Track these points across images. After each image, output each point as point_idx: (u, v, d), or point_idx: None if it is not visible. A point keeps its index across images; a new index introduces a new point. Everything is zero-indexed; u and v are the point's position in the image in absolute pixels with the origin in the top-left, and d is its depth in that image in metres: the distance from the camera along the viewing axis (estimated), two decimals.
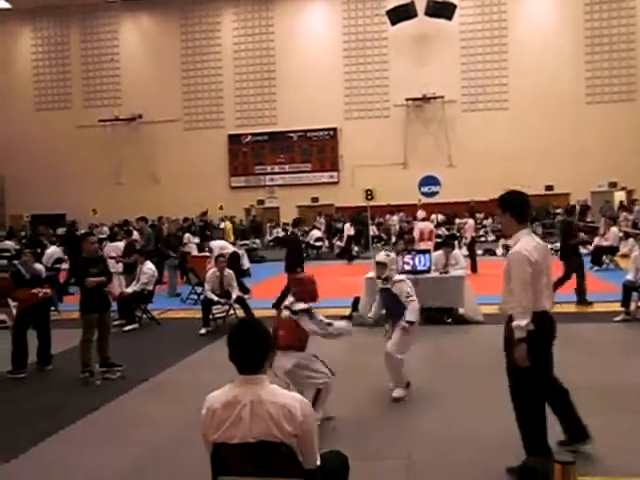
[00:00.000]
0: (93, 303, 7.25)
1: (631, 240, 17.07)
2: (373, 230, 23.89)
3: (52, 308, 9.26)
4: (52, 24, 33.20)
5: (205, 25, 31.94)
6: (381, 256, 6.27)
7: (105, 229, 23.88)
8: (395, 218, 26.04)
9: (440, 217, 22.38)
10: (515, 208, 4.32)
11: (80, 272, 7.37)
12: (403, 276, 6.39)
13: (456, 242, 13.89)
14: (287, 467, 2.67)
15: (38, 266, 8.26)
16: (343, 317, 9.89)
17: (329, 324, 5.29)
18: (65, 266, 14.66)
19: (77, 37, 33.04)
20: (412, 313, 5.91)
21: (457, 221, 25.57)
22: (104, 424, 5.72)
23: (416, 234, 14.43)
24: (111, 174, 31.90)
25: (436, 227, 20.30)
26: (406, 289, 6.01)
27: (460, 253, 11.89)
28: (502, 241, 21.72)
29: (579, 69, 28.43)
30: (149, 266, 10.81)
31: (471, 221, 17.55)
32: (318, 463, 2.77)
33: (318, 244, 22.48)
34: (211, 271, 10.33)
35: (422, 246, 12.90)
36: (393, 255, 6.53)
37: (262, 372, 2.77)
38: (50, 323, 7.94)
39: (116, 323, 9.96)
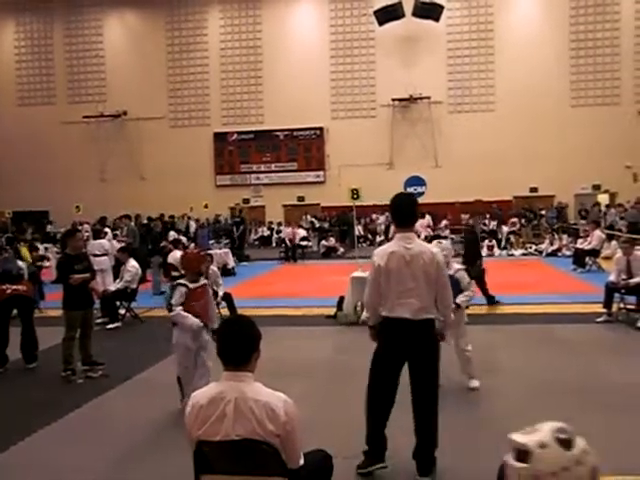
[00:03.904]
0: (76, 300, 7.17)
1: (614, 242, 17.29)
2: (359, 230, 23.91)
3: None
4: (36, 18, 32.78)
5: (191, 22, 31.76)
6: (434, 245, 6.52)
7: (86, 227, 23.66)
8: (382, 218, 26.11)
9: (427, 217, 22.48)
10: (392, 212, 4.35)
11: (64, 269, 7.28)
12: (461, 266, 6.67)
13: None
14: (270, 466, 2.65)
15: (20, 263, 8.16)
16: (328, 316, 10.00)
17: (171, 306, 5.63)
18: (48, 264, 14.51)
19: (61, 32, 32.67)
20: (466, 298, 6.26)
21: (443, 222, 25.85)
22: (86, 422, 5.66)
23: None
24: (95, 171, 31.62)
25: (426, 227, 20.40)
26: (467, 278, 6.39)
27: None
28: (487, 242, 21.90)
29: (564, 72, 28.70)
30: (132, 264, 10.72)
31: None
32: (301, 462, 2.76)
33: (304, 243, 22.46)
34: None
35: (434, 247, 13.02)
36: (446, 243, 6.67)
37: (248, 369, 2.77)
38: (33, 321, 7.86)
39: (99, 321, 9.88)
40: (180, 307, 5.54)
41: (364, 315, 4.36)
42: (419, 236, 11.85)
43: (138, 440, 5.12)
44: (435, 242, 6.69)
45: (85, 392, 6.51)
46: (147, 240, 16.34)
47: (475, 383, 6.15)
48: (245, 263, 20.17)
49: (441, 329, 4.50)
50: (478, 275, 10.74)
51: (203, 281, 5.83)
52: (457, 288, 6.08)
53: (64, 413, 5.80)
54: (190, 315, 5.51)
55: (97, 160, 31.52)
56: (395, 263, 4.09)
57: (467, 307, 6.55)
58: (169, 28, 31.85)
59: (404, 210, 4.27)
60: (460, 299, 6.07)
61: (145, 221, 20.98)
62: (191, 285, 5.62)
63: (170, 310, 5.66)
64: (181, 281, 5.71)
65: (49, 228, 27.70)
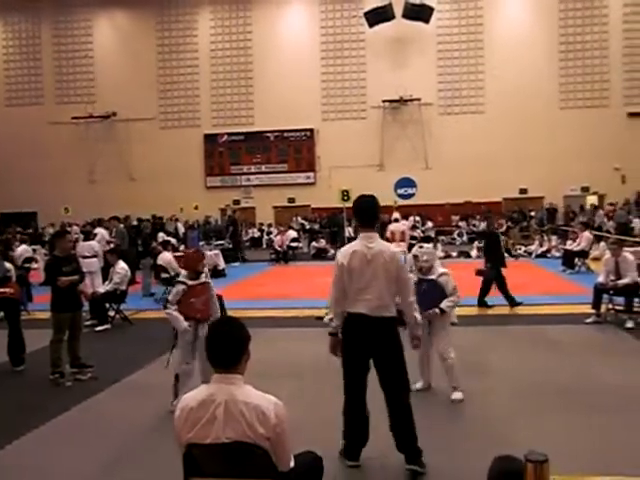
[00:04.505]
0: (65, 302, 7.11)
1: (602, 244, 17.40)
2: (349, 231, 23.90)
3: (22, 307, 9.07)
4: (24, 18, 32.57)
5: (182, 23, 31.67)
6: (415, 249, 6.43)
7: (75, 228, 23.50)
8: None
9: (417, 219, 22.54)
10: (355, 213, 4.49)
11: (53, 271, 7.22)
12: (448, 270, 6.34)
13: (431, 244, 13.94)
14: (260, 469, 2.64)
15: (7, 265, 8.08)
16: (318, 318, 9.99)
17: (168, 303, 5.91)
18: (35, 265, 14.38)
19: (49, 32, 32.47)
20: (450, 303, 5.93)
21: (430, 223, 25.92)
22: (75, 426, 5.62)
23: (388, 235, 14.53)
24: (84, 172, 31.43)
25: (412, 228, 20.44)
26: (453, 282, 6.04)
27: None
28: (476, 243, 21.99)
29: (554, 74, 28.90)
30: (122, 266, 10.66)
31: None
32: (292, 465, 2.75)
33: (294, 245, 22.46)
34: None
35: (394, 247, 12.97)
36: (428, 246, 6.52)
37: (238, 372, 2.75)
38: (20, 323, 7.79)
39: (88, 323, 9.81)
40: (175, 306, 5.76)
41: (326, 318, 4.50)
42: (389, 239, 11.82)
43: (127, 443, 5.08)
44: (416, 246, 6.64)
45: (74, 395, 6.46)
46: (136, 242, 16.26)
47: (458, 395, 5.83)
48: (236, 264, 20.13)
49: (412, 331, 4.52)
50: (490, 278, 10.70)
51: (204, 278, 6.01)
52: (442, 293, 5.95)
53: (52, 416, 5.75)
54: (181, 317, 5.73)
55: (86, 161, 31.33)
56: (357, 262, 4.26)
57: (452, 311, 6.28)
58: (159, 29, 31.74)
59: (366, 211, 4.45)
60: (445, 304, 5.89)
61: (135, 222, 20.90)
62: (190, 282, 5.84)
63: (165, 307, 5.94)
64: (180, 279, 5.95)
65: (42, 231, 27.47)
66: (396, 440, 4.32)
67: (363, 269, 4.24)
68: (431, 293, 5.93)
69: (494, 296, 11.01)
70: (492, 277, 10.76)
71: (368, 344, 4.28)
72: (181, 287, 5.81)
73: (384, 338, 4.29)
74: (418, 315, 4.52)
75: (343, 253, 4.37)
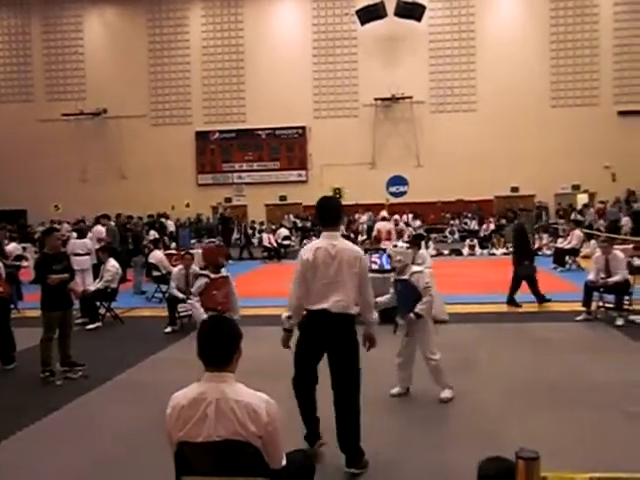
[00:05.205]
0: (55, 300, 7.07)
1: (593, 242, 17.51)
2: (341, 230, 23.93)
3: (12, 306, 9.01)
4: (13, 14, 32.30)
5: (173, 20, 31.52)
6: (388, 249, 6.48)
7: (66, 226, 23.36)
8: (364, 217, 26.16)
9: (410, 216, 22.59)
10: (317, 213, 4.62)
11: (42, 269, 7.17)
12: (420, 267, 6.25)
13: (423, 242, 13.98)
14: (252, 467, 2.63)
15: None
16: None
17: (191, 295, 6.47)
18: (26, 263, 14.27)
19: (39, 28, 32.20)
20: (424, 306, 5.77)
21: (417, 222, 26.01)
22: (65, 425, 5.58)
23: (374, 233, 14.58)
24: (75, 170, 31.20)
25: (405, 226, 20.46)
26: (425, 279, 5.90)
27: (427, 253, 12.01)
28: (468, 241, 22.08)
29: (545, 73, 29.00)
30: (112, 263, 10.60)
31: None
32: (284, 463, 2.74)
33: (286, 243, 22.45)
34: (177, 268, 10.16)
35: (380, 245, 13.05)
36: (401, 245, 6.50)
37: (229, 370, 2.74)
38: (10, 322, 7.73)
39: (79, 321, 9.76)
40: (197, 297, 6.24)
41: (284, 315, 4.48)
42: (376, 238, 11.75)
43: (118, 441, 5.06)
44: (390, 246, 6.63)
45: (64, 393, 6.42)
46: (127, 239, 16.20)
47: (446, 394, 5.83)
48: (229, 262, 20.08)
49: (367, 330, 4.56)
50: (528, 274, 10.69)
51: (224, 273, 6.44)
52: (416, 292, 5.79)
53: (43, 415, 5.72)
54: (201, 309, 6.21)
55: (77, 159, 31.11)
56: (321, 258, 4.34)
57: (436, 316, 6.23)
58: (150, 25, 31.57)
59: (328, 211, 4.54)
60: (419, 308, 5.74)
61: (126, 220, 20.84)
62: (212, 275, 6.33)
63: (188, 297, 6.49)
64: (204, 272, 6.45)
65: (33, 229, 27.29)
66: (339, 441, 4.35)
67: (328, 265, 4.32)
68: (406, 293, 5.87)
69: (494, 294, 11.03)
70: (533, 272, 10.72)
71: (324, 339, 4.33)
72: (204, 280, 6.23)
73: (341, 336, 4.32)
74: (375, 315, 4.57)
75: (307, 249, 4.47)
